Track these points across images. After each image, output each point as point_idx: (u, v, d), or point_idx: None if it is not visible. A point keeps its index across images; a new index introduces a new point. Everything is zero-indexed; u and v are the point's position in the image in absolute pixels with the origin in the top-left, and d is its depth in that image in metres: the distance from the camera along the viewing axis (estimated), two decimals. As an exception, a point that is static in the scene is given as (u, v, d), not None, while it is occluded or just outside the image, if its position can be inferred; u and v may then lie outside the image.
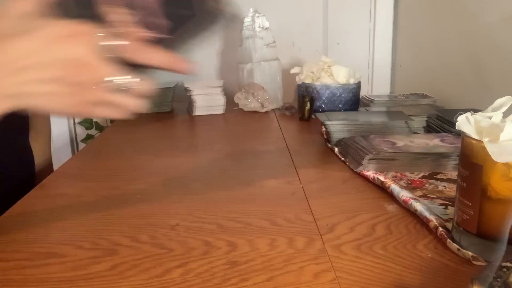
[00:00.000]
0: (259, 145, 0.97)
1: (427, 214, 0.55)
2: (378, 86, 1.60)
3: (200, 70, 1.58)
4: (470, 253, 0.46)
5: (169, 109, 1.36)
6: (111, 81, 0.41)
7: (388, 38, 1.56)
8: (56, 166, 0.87)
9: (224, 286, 0.43)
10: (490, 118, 0.45)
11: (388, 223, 0.56)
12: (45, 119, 0.93)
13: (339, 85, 1.18)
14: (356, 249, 0.50)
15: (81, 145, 1.59)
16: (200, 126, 1.19)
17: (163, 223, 0.57)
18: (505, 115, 0.46)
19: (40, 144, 0.91)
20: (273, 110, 1.32)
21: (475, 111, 0.49)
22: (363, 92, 1.32)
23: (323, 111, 1.15)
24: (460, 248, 0.48)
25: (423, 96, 1.20)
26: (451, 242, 0.49)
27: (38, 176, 0.91)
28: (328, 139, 0.93)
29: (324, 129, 0.96)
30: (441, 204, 0.59)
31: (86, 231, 0.56)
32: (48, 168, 0.95)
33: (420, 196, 0.62)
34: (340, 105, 1.18)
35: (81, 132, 1.60)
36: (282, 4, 1.56)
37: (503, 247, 0.44)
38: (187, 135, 1.13)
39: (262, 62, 1.35)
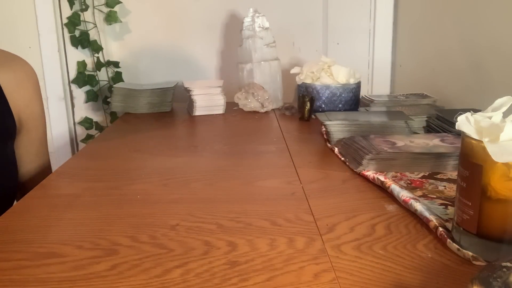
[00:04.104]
0: (259, 145, 0.97)
1: (427, 214, 0.55)
2: (378, 86, 1.60)
3: (200, 70, 1.59)
4: (470, 253, 0.46)
5: (169, 109, 1.36)
6: None
7: (388, 38, 1.56)
8: (56, 166, 0.86)
9: (224, 286, 0.43)
10: (490, 118, 0.45)
11: (388, 223, 0.56)
12: (37, 120, 0.88)
13: (339, 85, 1.18)
14: (356, 249, 0.50)
15: (81, 145, 1.60)
16: (200, 126, 1.19)
17: (163, 223, 0.57)
18: (505, 115, 0.46)
19: (30, 152, 0.87)
20: (273, 110, 1.32)
21: (475, 111, 0.49)
22: (363, 92, 1.32)
23: (323, 111, 1.15)
24: (460, 248, 0.48)
25: (423, 96, 1.20)
26: (451, 242, 0.49)
27: (26, 185, 0.87)
28: (328, 139, 0.93)
29: (324, 129, 0.96)
30: (441, 204, 0.59)
31: (86, 231, 0.56)
32: (43, 175, 0.90)
33: (420, 196, 0.62)
34: (340, 105, 1.18)
35: (81, 132, 1.60)
36: (282, 4, 1.56)
37: (503, 247, 0.45)
38: (187, 135, 1.13)
39: (262, 62, 1.35)
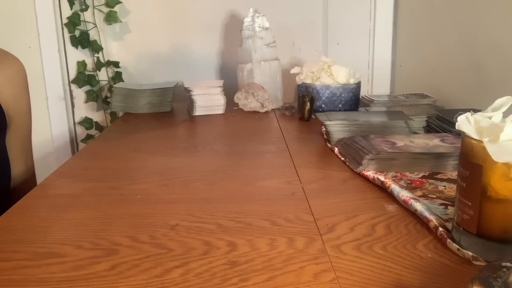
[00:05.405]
0: (259, 145, 0.97)
1: (427, 214, 0.55)
2: (378, 86, 1.60)
3: (200, 70, 1.59)
4: (470, 253, 0.46)
5: (169, 109, 1.36)
6: None
7: (388, 38, 1.56)
8: (56, 166, 0.86)
9: (224, 286, 0.43)
10: (490, 118, 0.45)
11: (388, 223, 0.56)
12: (23, 117, 0.87)
13: (339, 85, 1.18)
14: (356, 249, 0.50)
15: (81, 145, 1.60)
16: (200, 126, 1.19)
17: (163, 223, 0.57)
18: (505, 115, 0.46)
19: (16, 150, 0.87)
20: (273, 110, 1.32)
21: (475, 111, 0.49)
22: (363, 92, 1.32)
23: (323, 111, 1.15)
24: (460, 248, 0.48)
25: (423, 96, 1.20)
26: (451, 242, 0.49)
27: (15, 191, 0.86)
28: (328, 139, 0.93)
29: (324, 129, 0.96)
30: (441, 204, 0.59)
31: (86, 231, 0.56)
32: (28, 180, 0.90)
33: (420, 196, 0.62)
34: (340, 105, 1.18)
35: (81, 132, 1.60)
36: (282, 4, 1.56)
37: (503, 247, 0.44)
38: (187, 135, 1.13)
39: (262, 62, 1.34)
